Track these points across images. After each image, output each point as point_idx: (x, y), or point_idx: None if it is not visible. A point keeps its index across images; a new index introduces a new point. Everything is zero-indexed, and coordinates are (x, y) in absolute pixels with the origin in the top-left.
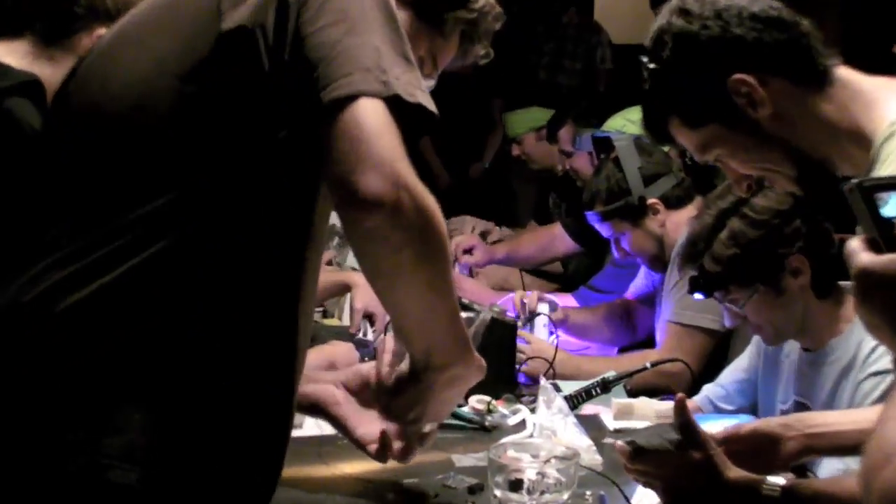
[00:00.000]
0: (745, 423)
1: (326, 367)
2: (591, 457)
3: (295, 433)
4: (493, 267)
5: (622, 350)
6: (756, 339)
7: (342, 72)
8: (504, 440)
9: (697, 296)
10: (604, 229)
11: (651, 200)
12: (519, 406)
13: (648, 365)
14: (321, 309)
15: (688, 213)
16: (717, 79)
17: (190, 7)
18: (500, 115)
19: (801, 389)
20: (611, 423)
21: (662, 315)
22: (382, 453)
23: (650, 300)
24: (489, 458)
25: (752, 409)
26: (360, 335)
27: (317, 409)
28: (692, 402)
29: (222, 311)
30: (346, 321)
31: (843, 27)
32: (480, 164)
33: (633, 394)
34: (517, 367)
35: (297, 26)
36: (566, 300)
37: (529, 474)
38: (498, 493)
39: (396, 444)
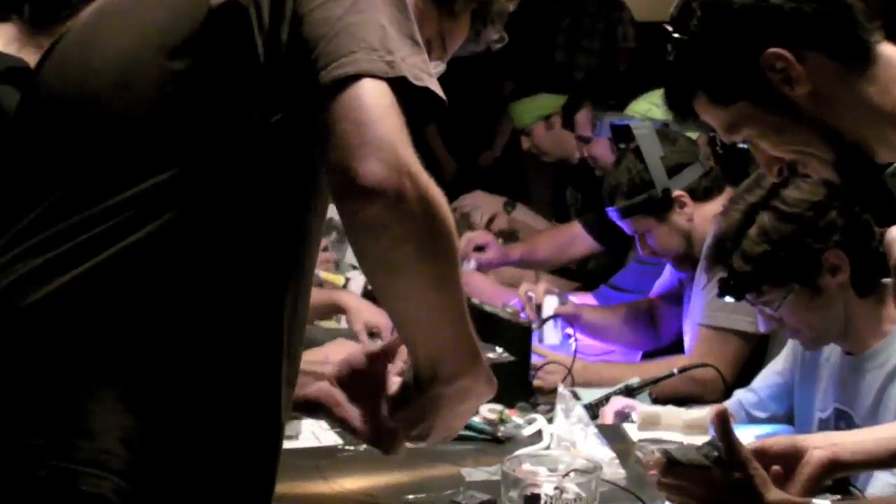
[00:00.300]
0: (771, 438)
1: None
2: (614, 470)
3: (290, 445)
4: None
5: (646, 355)
6: (792, 340)
7: (344, 50)
8: (518, 452)
9: (728, 298)
10: (626, 226)
11: (676, 193)
12: (534, 415)
13: (675, 371)
14: None
15: (717, 205)
16: (749, 52)
17: None
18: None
19: (841, 396)
20: (635, 434)
21: (691, 316)
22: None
23: (676, 298)
24: (502, 471)
25: (788, 418)
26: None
27: (319, 409)
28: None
29: (208, 307)
30: (343, 324)
31: None
32: (490, 152)
33: (659, 402)
34: (532, 372)
35: (294, 4)
36: (585, 300)
37: (546, 489)
38: None
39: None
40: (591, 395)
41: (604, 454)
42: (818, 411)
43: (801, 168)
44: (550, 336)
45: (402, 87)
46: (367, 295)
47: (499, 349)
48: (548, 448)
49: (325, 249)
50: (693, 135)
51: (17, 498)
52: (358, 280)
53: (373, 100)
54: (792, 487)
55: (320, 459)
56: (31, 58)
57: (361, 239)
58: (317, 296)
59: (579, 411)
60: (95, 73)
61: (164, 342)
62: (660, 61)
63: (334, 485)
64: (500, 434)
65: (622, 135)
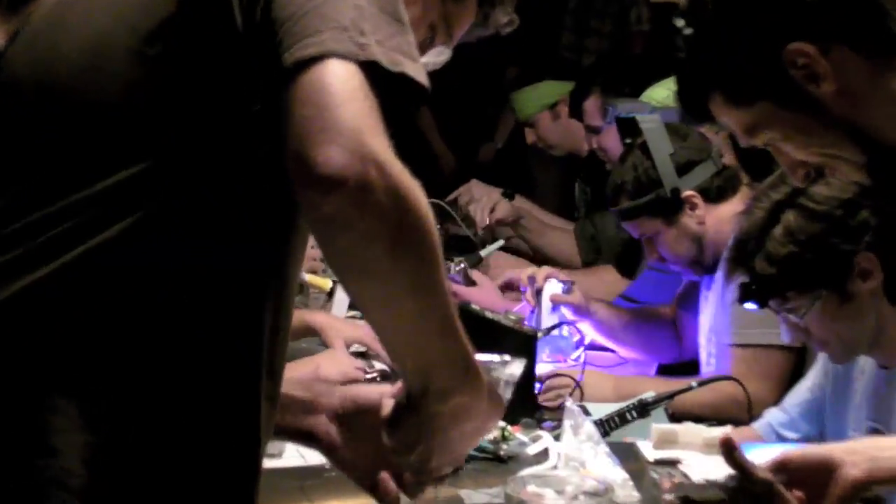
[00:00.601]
0: (794, 448)
1: (312, 379)
2: (627, 492)
3: (272, 464)
4: (508, 261)
5: (664, 370)
6: (824, 353)
7: (310, 30)
8: (523, 473)
9: (749, 306)
10: (631, 229)
11: (687, 193)
12: (540, 432)
13: (694, 384)
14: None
15: (732, 207)
16: (769, 47)
17: None
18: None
19: (876, 413)
20: (650, 453)
21: (713, 333)
22: (387, 498)
23: (693, 308)
24: (506, 493)
25: (821, 438)
26: (370, 375)
27: (312, 442)
28: (750, 430)
29: (180, 317)
30: None
31: None
32: (492, 144)
33: (676, 419)
34: (537, 386)
35: None
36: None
37: None
38: None
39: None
40: (601, 410)
41: (616, 475)
42: (852, 430)
43: (829, 172)
44: (546, 319)
45: (378, 74)
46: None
47: (504, 356)
48: (554, 468)
49: (313, 247)
50: (714, 129)
51: None
52: None
53: (337, 83)
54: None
55: (306, 480)
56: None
57: (324, 237)
58: None
59: (589, 428)
60: (65, 57)
61: (131, 353)
62: (678, 45)
63: None
64: (502, 453)
65: (628, 129)
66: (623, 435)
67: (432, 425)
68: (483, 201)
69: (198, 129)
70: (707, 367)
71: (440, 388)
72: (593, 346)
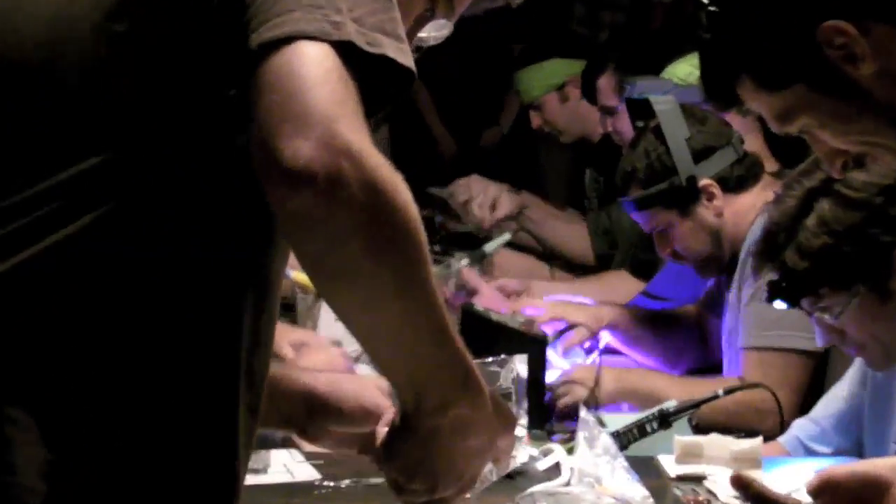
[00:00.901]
0: (840, 465)
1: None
2: None
3: (257, 480)
4: (515, 257)
5: (690, 373)
6: (861, 359)
7: (281, 7)
8: (533, 489)
9: (779, 304)
10: (642, 220)
11: (704, 181)
12: (551, 445)
13: (720, 392)
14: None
15: (752, 198)
16: (803, 25)
17: None
18: None
19: None
20: (672, 468)
21: (738, 334)
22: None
23: (719, 308)
24: None
25: (857, 452)
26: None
27: (315, 416)
28: (776, 444)
29: (148, 321)
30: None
31: None
32: (497, 128)
33: (701, 430)
34: (548, 395)
35: None
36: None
37: None
38: None
39: None
40: (619, 421)
41: (635, 492)
42: (894, 443)
43: (870, 161)
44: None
45: (356, 55)
46: None
47: (501, 355)
48: (567, 484)
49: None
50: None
51: None
52: None
53: (308, 66)
54: None
55: (294, 497)
56: None
57: (294, 237)
58: None
59: (605, 440)
60: (22, 36)
61: (95, 358)
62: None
63: None
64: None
65: (640, 110)
66: (643, 448)
67: (432, 445)
68: (479, 199)
69: (169, 115)
70: (728, 376)
71: (436, 401)
72: (608, 350)
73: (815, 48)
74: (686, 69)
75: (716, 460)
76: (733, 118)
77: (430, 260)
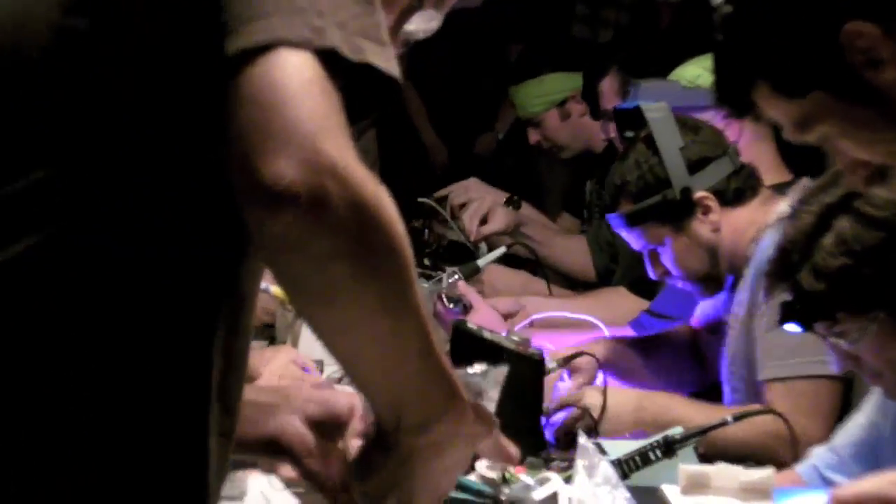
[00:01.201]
0: (844, 487)
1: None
2: None
3: None
4: (508, 273)
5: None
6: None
7: (258, 11)
8: None
9: (792, 328)
10: (633, 238)
11: (699, 194)
12: (548, 474)
13: (730, 418)
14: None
15: (750, 212)
16: (824, 28)
17: None
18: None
19: None
20: (677, 499)
21: (748, 365)
22: None
23: (718, 330)
24: None
25: None
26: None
27: (279, 455)
28: (792, 473)
29: (107, 344)
30: (303, 351)
31: None
32: (493, 134)
33: (707, 459)
34: (545, 419)
35: None
36: (620, 332)
37: None
38: None
39: None
40: (620, 448)
41: None
42: None
43: (894, 174)
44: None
45: (339, 62)
46: None
47: (482, 365)
48: None
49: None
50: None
51: None
52: None
53: (290, 77)
54: None
55: None
56: None
57: (274, 260)
58: None
59: (606, 469)
60: None
61: (49, 379)
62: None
63: None
64: (503, 497)
65: (630, 120)
66: (646, 477)
67: (411, 464)
68: (474, 207)
69: (137, 123)
70: (731, 404)
71: (418, 420)
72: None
73: (835, 52)
74: (695, 71)
75: (724, 491)
76: (745, 125)
77: (415, 278)
